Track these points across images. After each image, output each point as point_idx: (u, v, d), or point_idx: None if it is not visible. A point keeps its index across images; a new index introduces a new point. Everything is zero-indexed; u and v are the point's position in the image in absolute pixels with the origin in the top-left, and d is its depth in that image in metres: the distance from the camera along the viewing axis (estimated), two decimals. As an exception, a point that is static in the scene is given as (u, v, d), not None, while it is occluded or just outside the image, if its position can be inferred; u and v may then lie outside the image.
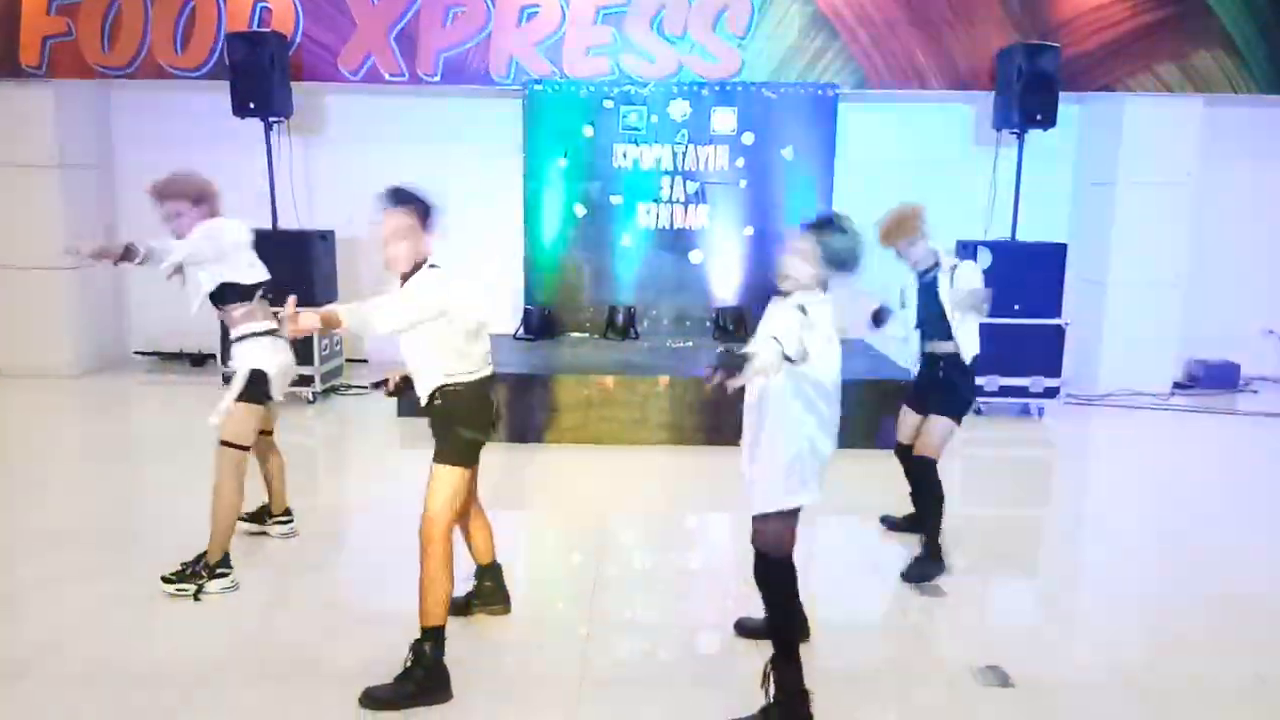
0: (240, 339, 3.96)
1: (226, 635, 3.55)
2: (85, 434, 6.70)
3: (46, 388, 7.77)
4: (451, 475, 3.16)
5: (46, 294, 7.98)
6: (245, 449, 3.94)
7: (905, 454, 4.46)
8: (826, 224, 2.99)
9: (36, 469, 5.77)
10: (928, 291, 4.28)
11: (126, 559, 4.21)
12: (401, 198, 3.07)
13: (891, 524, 4.74)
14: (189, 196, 3.90)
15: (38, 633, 3.57)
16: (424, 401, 3.21)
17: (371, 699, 3.06)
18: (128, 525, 4.68)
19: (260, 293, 4.02)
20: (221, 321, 4.08)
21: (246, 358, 3.93)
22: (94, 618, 3.69)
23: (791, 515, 2.98)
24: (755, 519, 3.01)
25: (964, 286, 4.14)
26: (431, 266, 3.11)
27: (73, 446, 6.39)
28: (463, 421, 3.18)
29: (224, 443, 3.89)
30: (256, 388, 3.92)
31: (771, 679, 2.96)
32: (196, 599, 3.81)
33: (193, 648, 3.45)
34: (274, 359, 3.97)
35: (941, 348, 4.27)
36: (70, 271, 7.90)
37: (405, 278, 3.11)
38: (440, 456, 3.18)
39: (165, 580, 3.86)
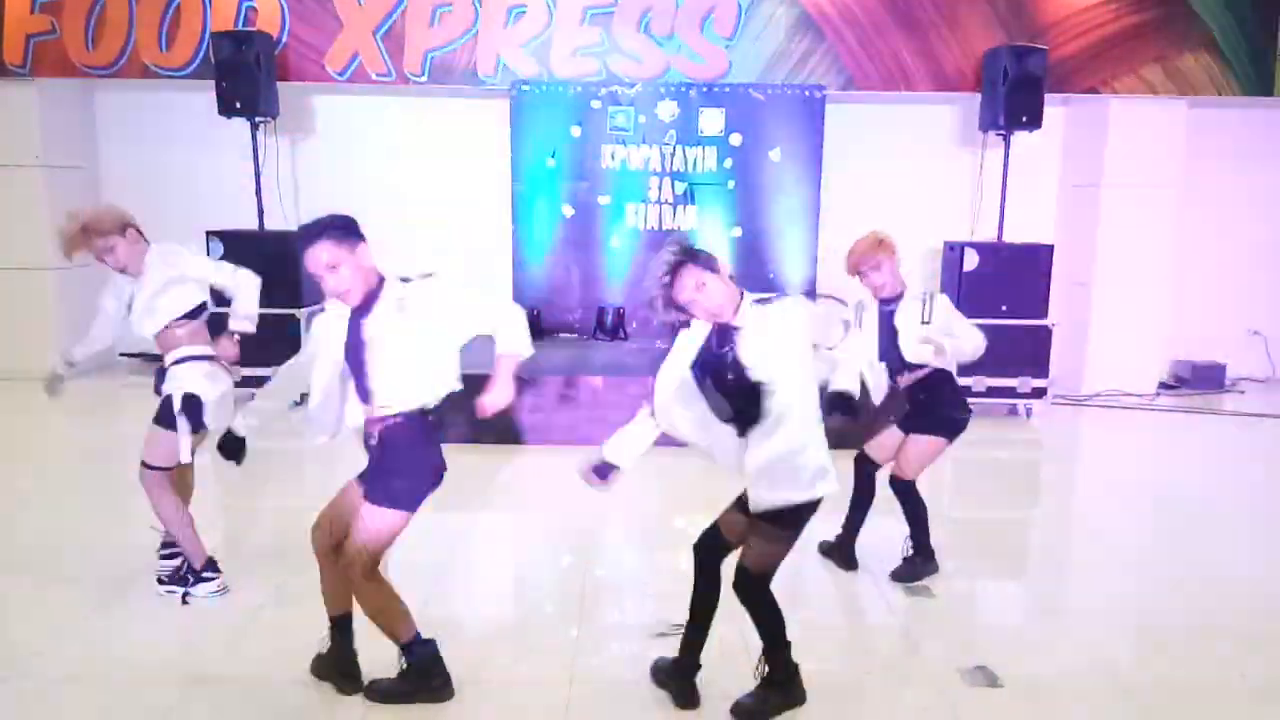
0: (179, 362, 3.77)
1: (219, 637, 3.53)
2: (71, 436, 6.65)
3: (31, 389, 7.67)
4: (396, 519, 2.93)
5: (30, 295, 7.93)
6: (166, 469, 3.81)
7: (865, 463, 4.26)
8: (693, 250, 2.94)
9: (22, 471, 5.73)
10: (885, 323, 4.06)
11: (114, 563, 4.16)
12: (311, 233, 2.82)
13: (825, 549, 4.40)
14: (117, 229, 3.70)
15: (24, 635, 3.54)
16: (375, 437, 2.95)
17: (376, 691, 3.08)
18: (115, 528, 4.63)
19: (204, 316, 3.86)
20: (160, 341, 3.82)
21: (183, 381, 3.75)
22: (81, 621, 3.66)
23: (802, 522, 2.95)
24: (764, 526, 2.93)
25: (937, 324, 3.97)
26: (405, 281, 2.94)
27: (58, 449, 6.35)
28: (419, 461, 2.97)
29: (144, 464, 3.79)
30: (189, 414, 3.74)
31: (765, 665, 3.04)
32: (184, 602, 3.79)
33: (185, 650, 3.43)
34: (212, 386, 3.78)
35: (910, 378, 4.06)
36: (55, 272, 7.84)
37: (367, 301, 2.89)
38: (374, 494, 2.93)
39: (160, 581, 3.87)
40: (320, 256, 2.81)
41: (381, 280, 2.93)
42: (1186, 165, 8.00)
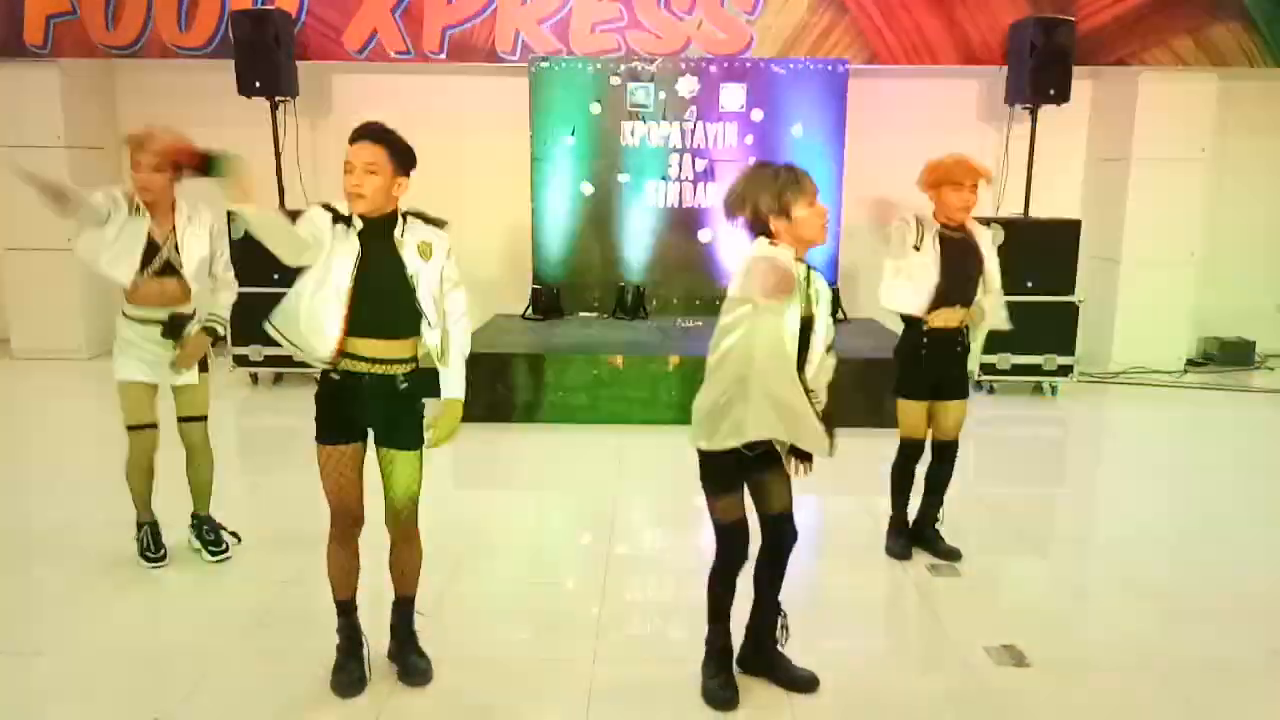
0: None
1: (243, 616, 3.55)
2: (96, 417, 6.68)
3: (58, 369, 7.78)
4: (422, 458, 3.02)
5: (57, 276, 7.96)
6: (130, 428, 4.11)
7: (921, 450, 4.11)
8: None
9: (49, 452, 5.79)
10: (963, 249, 3.81)
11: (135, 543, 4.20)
12: (378, 133, 2.79)
13: (904, 547, 4.14)
14: (157, 159, 3.86)
15: (54, 612, 3.58)
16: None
17: (424, 673, 3.09)
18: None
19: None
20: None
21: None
22: (108, 599, 3.70)
23: None
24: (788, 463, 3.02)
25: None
26: (426, 219, 2.95)
27: (84, 429, 6.40)
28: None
29: (204, 418, 4.30)
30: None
31: (785, 627, 3.08)
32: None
33: (208, 630, 3.45)
34: None
35: (962, 316, 3.88)
36: (78, 253, 7.88)
37: (383, 224, 2.83)
38: (413, 442, 2.98)
39: (210, 553, 4.03)
40: (369, 154, 2.75)
41: (397, 214, 2.88)
42: (1216, 139, 7.85)
